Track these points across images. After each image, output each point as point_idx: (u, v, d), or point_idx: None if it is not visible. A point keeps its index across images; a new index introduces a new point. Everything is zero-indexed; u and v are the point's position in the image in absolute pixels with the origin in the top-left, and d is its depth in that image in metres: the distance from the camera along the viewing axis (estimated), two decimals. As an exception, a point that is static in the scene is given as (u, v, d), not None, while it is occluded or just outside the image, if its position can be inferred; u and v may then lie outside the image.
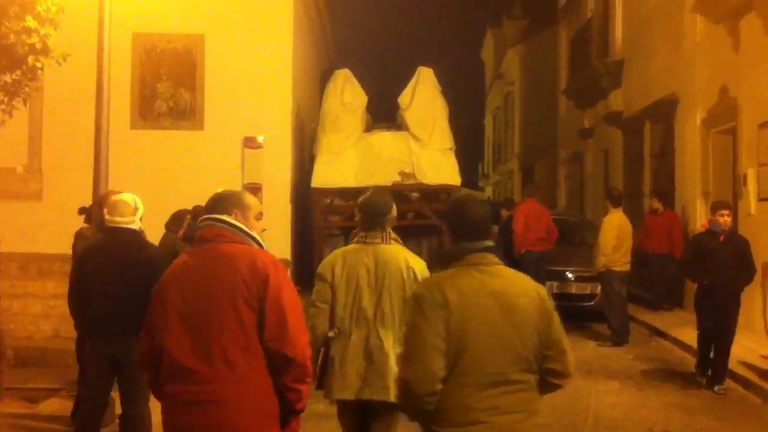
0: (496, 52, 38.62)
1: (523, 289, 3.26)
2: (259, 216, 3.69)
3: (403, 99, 16.06)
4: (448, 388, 3.06)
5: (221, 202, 3.62)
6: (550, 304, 3.31)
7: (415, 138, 15.61)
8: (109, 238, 5.66)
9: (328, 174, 14.98)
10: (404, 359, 3.18)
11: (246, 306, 3.37)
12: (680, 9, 13.81)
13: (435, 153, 15.59)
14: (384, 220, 4.74)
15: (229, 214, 3.57)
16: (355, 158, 15.37)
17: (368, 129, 16.30)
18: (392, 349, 4.57)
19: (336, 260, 4.79)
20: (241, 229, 3.57)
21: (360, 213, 4.84)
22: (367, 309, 4.65)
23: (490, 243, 3.33)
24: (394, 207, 4.80)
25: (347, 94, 15.77)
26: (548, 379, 3.28)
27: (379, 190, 5.27)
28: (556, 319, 3.30)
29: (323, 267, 4.87)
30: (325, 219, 15.23)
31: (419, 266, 4.71)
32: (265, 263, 3.45)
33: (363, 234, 4.79)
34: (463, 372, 3.07)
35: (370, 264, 4.67)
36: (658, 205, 13.39)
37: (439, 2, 58.21)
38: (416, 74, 16.26)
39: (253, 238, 3.59)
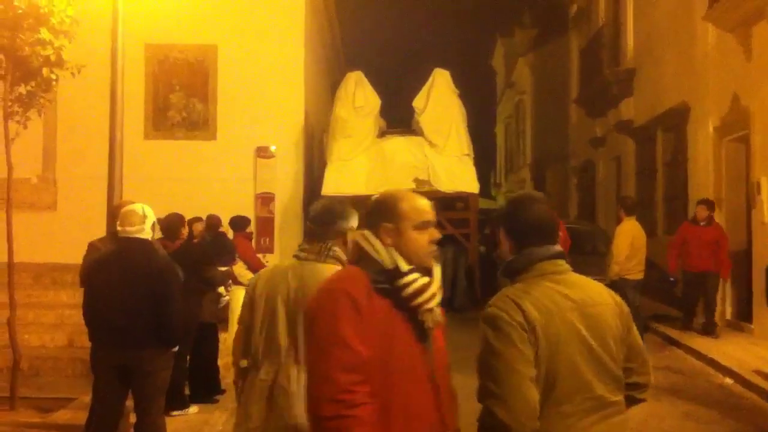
0: (507, 61, 38.65)
1: (601, 296, 2.89)
2: (423, 225, 2.88)
3: (418, 103, 15.67)
4: (544, 423, 2.64)
5: (371, 214, 2.94)
6: (627, 308, 2.97)
7: (431, 143, 15.16)
8: (118, 249, 5.69)
9: (338, 181, 14.62)
10: (490, 396, 2.62)
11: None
12: (691, 17, 13.80)
13: (451, 159, 15.13)
14: (330, 231, 3.92)
15: (378, 229, 2.87)
16: (367, 165, 14.95)
17: (382, 134, 15.92)
18: (303, 392, 3.81)
19: (264, 274, 4.03)
20: (364, 251, 2.87)
21: (308, 221, 4.09)
22: (280, 339, 3.78)
23: (559, 248, 2.92)
24: (352, 219, 4.00)
25: (359, 98, 15.35)
26: (633, 395, 2.93)
27: (336, 198, 4.44)
28: (634, 325, 2.96)
29: (252, 279, 4.14)
30: None
31: None
32: (319, 290, 2.87)
33: (300, 247, 4.01)
34: (559, 401, 2.67)
35: (293, 284, 3.82)
36: (705, 214, 11.73)
37: (450, 12, 58.31)
38: (431, 77, 15.85)
39: (391, 261, 2.82)
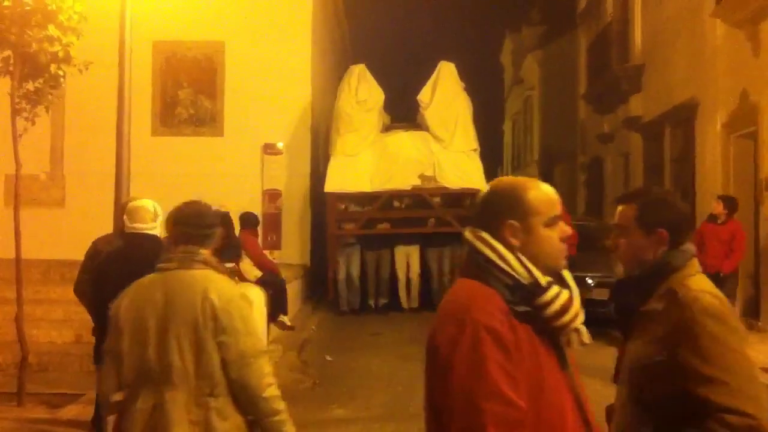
0: (515, 57, 38.57)
1: None
2: (555, 220, 2.32)
3: (423, 96, 15.18)
4: None
5: (487, 209, 2.35)
6: None
7: (436, 138, 14.73)
8: (126, 245, 5.69)
9: (342, 177, 14.26)
10: (733, 392, 2.36)
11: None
12: (700, 13, 13.75)
13: (458, 154, 14.70)
14: (206, 235, 3.57)
15: (500, 228, 2.28)
16: (371, 160, 14.55)
17: (386, 129, 15.53)
18: (183, 417, 3.32)
19: (128, 294, 3.56)
20: (488, 261, 2.26)
21: (178, 224, 3.62)
22: (152, 362, 3.37)
23: None
24: (218, 230, 3.69)
25: (362, 92, 14.90)
26: None
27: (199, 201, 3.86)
28: None
29: (114, 303, 3.58)
30: (340, 226, 14.46)
31: (225, 297, 3.42)
32: (445, 321, 2.22)
33: (163, 257, 3.60)
34: None
35: (159, 299, 3.42)
36: (720, 211, 10.70)
37: (459, 8, 58.33)
38: (437, 69, 15.40)
39: (527, 273, 2.24)
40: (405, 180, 14.46)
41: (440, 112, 14.84)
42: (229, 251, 9.26)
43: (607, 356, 11.14)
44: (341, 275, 14.36)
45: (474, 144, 15.07)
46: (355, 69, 15.38)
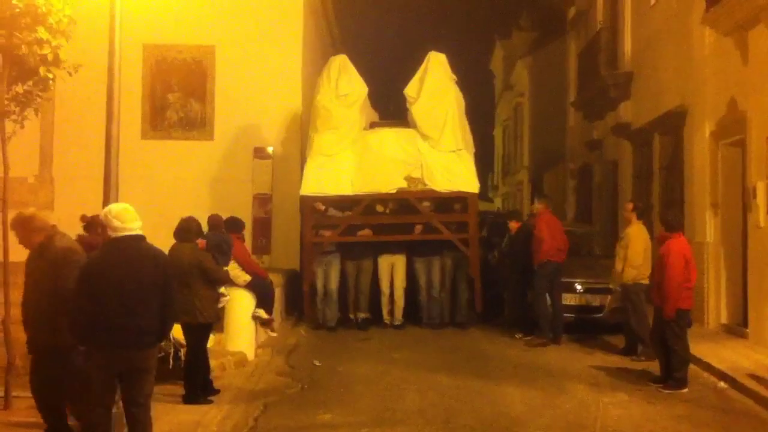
0: (506, 64, 38.71)
1: None
2: None
3: (410, 90, 13.81)
4: None
5: None
6: None
7: (424, 136, 13.43)
8: (126, 247, 5.65)
9: (319, 179, 13.12)
10: None
11: None
12: (689, 21, 13.82)
13: (447, 154, 13.41)
14: None
15: None
16: (352, 161, 13.32)
17: (371, 126, 14.22)
18: None
19: None
20: None
21: None
22: None
23: None
24: None
25: (343, 85, 13.55)
26: None
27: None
28: None
29: None
30: (317, 233, 13.31)
31: None
32: None
33: None
34: None
35: None
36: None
37: (449, 14, 58.53)
38: (425, 61, 13.96)
39: None
40: (389, 182, 13.27)
41: (428, 107, 13.54)
42: (224, 257, 9.36)
43: (593, 361, 11.21)
44: (319, 287, 13.29)
45: (463, 143, 13.77)
46: (336, 60, 14.03)
